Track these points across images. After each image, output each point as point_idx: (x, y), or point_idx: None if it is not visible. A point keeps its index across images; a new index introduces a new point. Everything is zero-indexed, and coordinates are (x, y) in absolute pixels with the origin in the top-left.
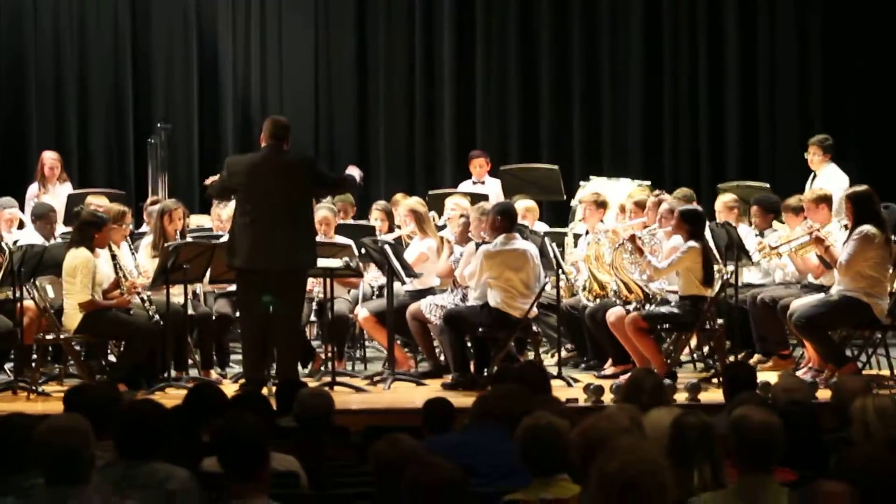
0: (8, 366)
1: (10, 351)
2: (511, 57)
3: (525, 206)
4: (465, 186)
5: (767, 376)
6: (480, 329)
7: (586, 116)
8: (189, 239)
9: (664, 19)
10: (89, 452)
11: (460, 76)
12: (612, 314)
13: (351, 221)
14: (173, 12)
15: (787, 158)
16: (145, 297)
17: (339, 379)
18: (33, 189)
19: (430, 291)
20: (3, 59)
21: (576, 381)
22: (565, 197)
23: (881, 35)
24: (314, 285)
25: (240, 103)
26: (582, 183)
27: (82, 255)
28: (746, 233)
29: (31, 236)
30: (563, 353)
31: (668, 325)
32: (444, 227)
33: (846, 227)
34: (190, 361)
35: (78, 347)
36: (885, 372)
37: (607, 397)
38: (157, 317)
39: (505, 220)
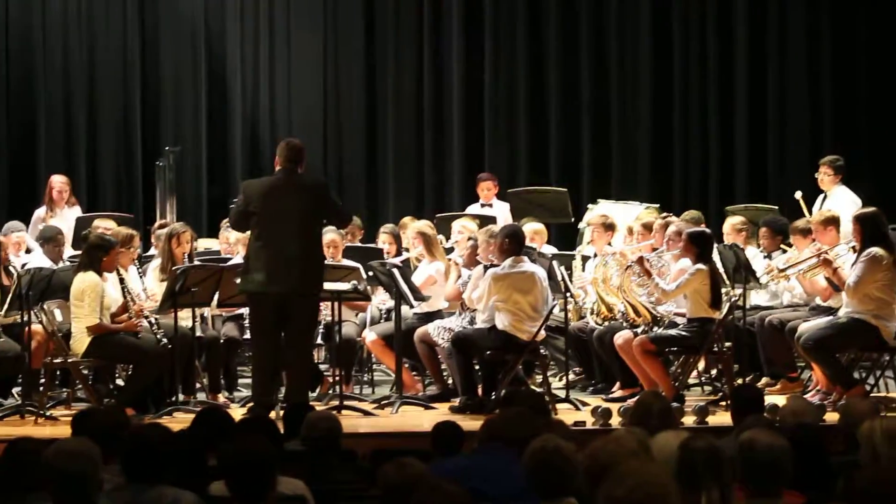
0: (16, 390)
1: (18, 375)
2: (520, 80)
3: (533, 229)
4: (474, 209)
5: (775, 399)
6: (488, 352)
7: (595, 139)
8: (197, 262)
9: (674, 41)
10: (97, 476)
11: (469, 99)
12: (620, 337)
13: (359, 244)
14: (182, 35)
15: (796, 181)
16: (153, 321)
17: (346, 402)
18: (40, 212)
19: (437, 314)
20: (12, 82)
21: (584, 404)
22: (573, 220)
23: (892, 57)
24: (322, 308)
25: (248, 125)
26: (590, 206)
27: (90, 279)
28: (754, 255)
29: (39, 260)
30: (571, 376)
31: (675, 348)
32: (451, 249)
33: (854, 248)
34: (198, 385)
35: (86, 371)
36: (894, 394)
37: (615, 420)
38: (165, 340)
39: (513, 243)
